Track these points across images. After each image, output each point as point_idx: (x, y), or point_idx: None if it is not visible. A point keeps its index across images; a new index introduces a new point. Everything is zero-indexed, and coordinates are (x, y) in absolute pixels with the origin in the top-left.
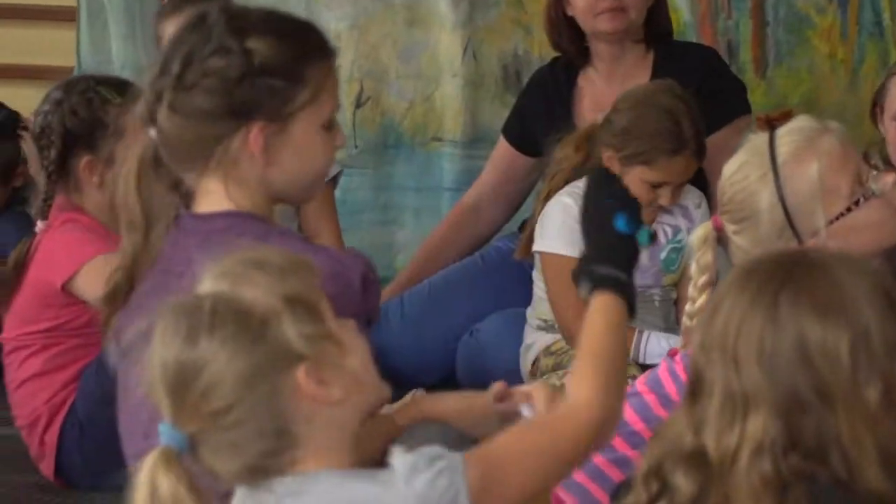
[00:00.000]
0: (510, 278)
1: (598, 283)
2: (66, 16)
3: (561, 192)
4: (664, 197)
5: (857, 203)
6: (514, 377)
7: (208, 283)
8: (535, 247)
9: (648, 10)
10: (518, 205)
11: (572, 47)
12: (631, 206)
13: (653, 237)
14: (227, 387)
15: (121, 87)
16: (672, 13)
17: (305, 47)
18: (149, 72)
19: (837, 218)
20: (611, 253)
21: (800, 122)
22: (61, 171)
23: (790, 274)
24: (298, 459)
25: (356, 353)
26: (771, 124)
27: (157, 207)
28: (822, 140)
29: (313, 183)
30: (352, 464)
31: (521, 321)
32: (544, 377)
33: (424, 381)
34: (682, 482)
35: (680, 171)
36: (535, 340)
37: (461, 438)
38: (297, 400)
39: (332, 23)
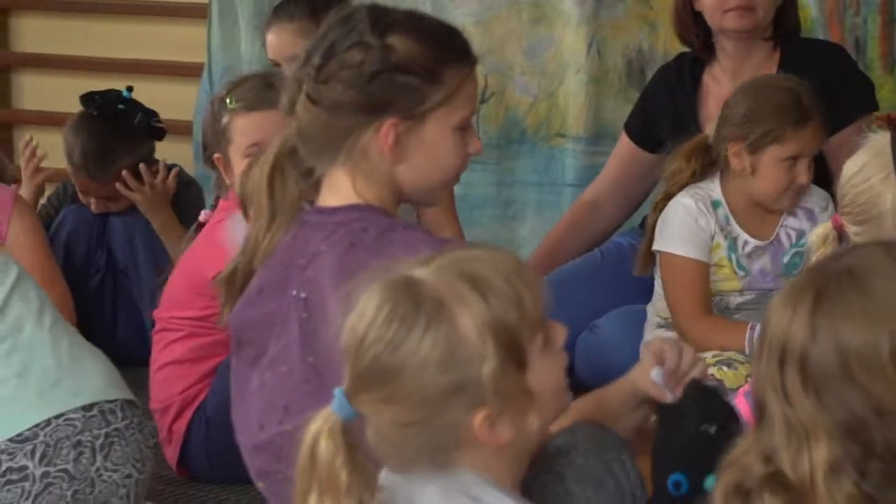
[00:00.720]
0: (629, 275)
1: None
2: (198, 13)
3: (682, 192)
4: (802, 174)
5: None
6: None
7: (432, 276)
8: (655, 245)
9: (777, 8)
10: (638, 202)
11: (699, 42)
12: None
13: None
14: (415, 393)
15: (262, 87)
16: (800, 10)
17: (445, 49)
18: (293, 62)
19: None
20: None
21: None
22: (212, 167)
23: (823, 289)
24: (455, 463)
25: (549, 381)
26: (892, 123)
27: (284, 200)
28: None
29: (440, 185)
30: (512, 479)
31: (641, 318)
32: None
33: None
34: (770, 502)
35: (810, 141)
36: (655, 337)
37: (609, 435)
38: (468, 432)
39: (458, 19)
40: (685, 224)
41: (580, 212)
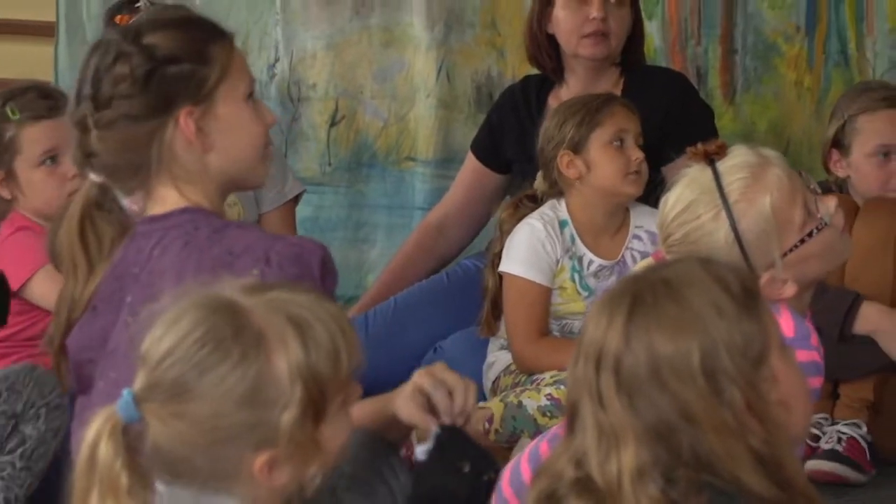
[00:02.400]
0: (475, 297)
1: None
2: (45, 31)
3: (531, 215)
4: (633, 151)
5: (810, 234)
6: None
7: (259, 308)
8: (501, 267)
9: (627, 37)
10: (483, 224)
11: (551, 63)
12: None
13: None
14: (209, 420)
15: (40, 97)
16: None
17: (201, 30)
18: (66, 114)
19: (792, 249)
20: None
21: (742, 157)
22: None
23: (639, 296)
24: (224, 492)
25: (338, 438)
26: (708, 157)
27: (101, 247)
28: (769, 174)
29: (255, 161)
30: None
31: (485, 340)
32: (503, 395)
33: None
34: None
35: (625, 117)
36: (497, 359)
37: (378, 442)
38: (247, 468)
39: (309, 42)
40: (531, 247)
41: (425, 234)
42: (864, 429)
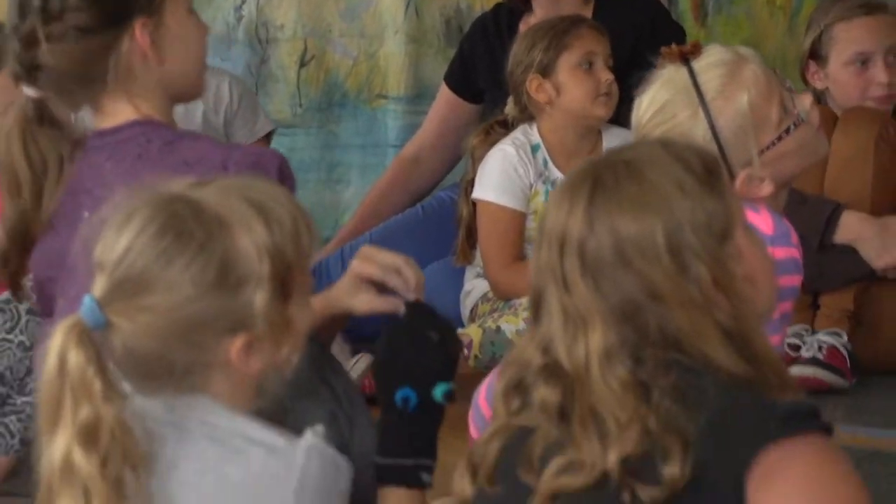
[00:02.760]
0: (450, 229)
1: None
2: None
3: (502, 140)
4: (602, 72)
5: (787, 131)
6: (455, 324)
7: (213, 196)
8: (474, 194)
9: None
10: (459, 156)
11: None
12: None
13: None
14: (180, 308)
15: None
16: None
17: None
18: (4, 31)
19: (769, 147)
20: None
21: (717, 55)
22: None
23: (599, 179)
24: (199, 388)
25: (303, 320)
26: (683, 57)
27: (45, 164)
28: (745, 71)
29: (201, 70)
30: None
31: (461, 269)
32: (481, 321)
33: (366, 332)
34: (545, 392)
35: (593, 39)
36: (475, 287)
37: (314, 344)
38: (223, 356)
39: None
40: (504, 172)
41: (402, 167)
42: (845, 338)
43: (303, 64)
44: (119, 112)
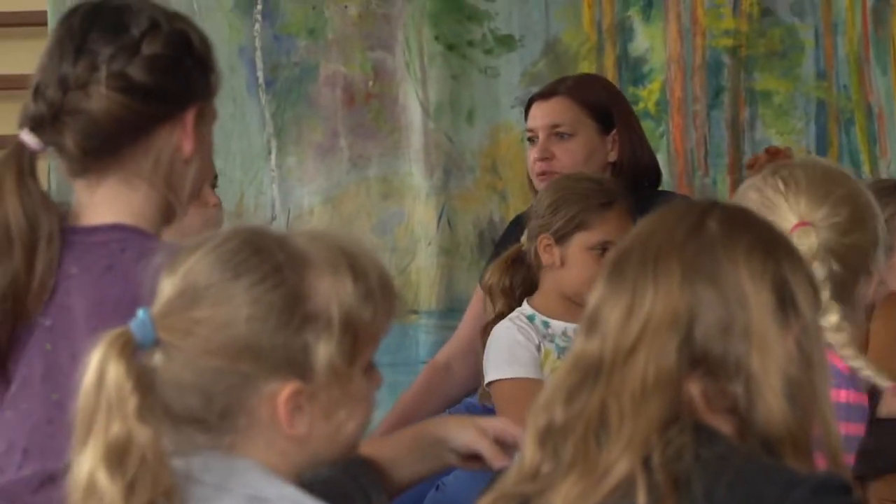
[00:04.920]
0: None
1: None
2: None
3: (499, 324)
4: None
5: None
6: None
7: (303, 238)
8: (485, 381)
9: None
10: None
11: None
12: None
13: None
14: (227, 317)
15: None
16: None
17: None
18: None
19: None
20: None
21: None
22: None
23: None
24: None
25: (356, 408)
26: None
27: (38, 222)
28: None
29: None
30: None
31: (489, 475)
32: None
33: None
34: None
35: (616, 226)
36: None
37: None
38: (266, 404)
39: (305, 198)
40: (508, 345)
41: (433, 374)
42: None
43: None
44: (114, 204)
